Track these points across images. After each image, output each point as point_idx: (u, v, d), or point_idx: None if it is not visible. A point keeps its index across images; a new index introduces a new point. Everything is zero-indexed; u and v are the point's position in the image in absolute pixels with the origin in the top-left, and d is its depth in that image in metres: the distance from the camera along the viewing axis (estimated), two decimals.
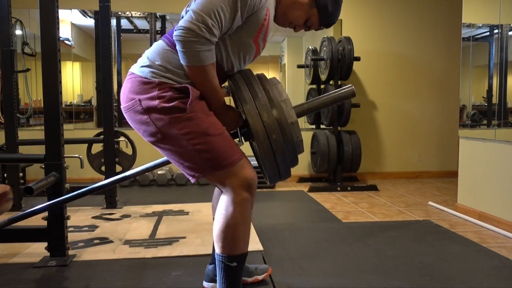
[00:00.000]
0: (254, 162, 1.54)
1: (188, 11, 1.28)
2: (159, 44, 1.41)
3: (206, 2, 1.25)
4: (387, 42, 4.73)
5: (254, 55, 1.48)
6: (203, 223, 2.74)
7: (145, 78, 1.34)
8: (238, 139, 1.46)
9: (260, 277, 1.80)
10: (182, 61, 1.29)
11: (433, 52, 4.79)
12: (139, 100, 1.32)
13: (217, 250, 1.38)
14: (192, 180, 1.37)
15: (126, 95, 1.37)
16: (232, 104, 1.53)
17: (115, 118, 3.30)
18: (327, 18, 1.50)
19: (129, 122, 1.39)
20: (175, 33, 1.26)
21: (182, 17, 1.42)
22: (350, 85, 1.51)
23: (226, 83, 1.52)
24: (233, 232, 1.34)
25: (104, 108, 3.16)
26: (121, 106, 1.39)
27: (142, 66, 1.37)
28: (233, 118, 1.42)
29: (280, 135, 1.30)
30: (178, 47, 1.27)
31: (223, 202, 1.36)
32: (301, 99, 4.90)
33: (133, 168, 4.14)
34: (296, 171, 4.41)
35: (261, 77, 1.41)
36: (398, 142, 4.80)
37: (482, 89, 3.43)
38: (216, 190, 1.72)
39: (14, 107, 3.00)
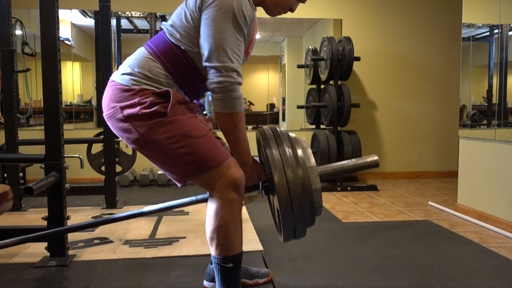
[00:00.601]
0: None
1: (209, 66, 1.29)
2: (141, 51, 1.41)
3: (220, 48, 1.27)
4: (387, 42, 4.73)
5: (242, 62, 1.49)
6: (203, 223, 2.72)
7: (126, 85, 1.34)
8: (257, 191, 1.46)
9: (261, 281, 1.80)
10: (216, 109, 1.32)
11: (433, 52, 4.79)
12: (120, 107, 1.32)
13: (212, 253, 1.38)
14: (179, 185, 1.37)
15: (107, 103, 1.37)
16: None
17: None
18: None
19: (112, 130, 1.39)
20: (210, 86, 1.29)
21: (162, 30, 1.43)
22: (375, 156, 1.54)
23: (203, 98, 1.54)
24: (225, 234, 1.34)
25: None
26: (103, 114, 1.40)
27: (123, 74, 1.37)
28: (258, 171, 1.43)
29: (303, 202, 1.31)
30: (215, 96, 1.30)
31: (212, 204, 1.36)
32: (301, 99, 4.91)
33: (133, 170, 4.12)
34: None
35: (291, 137, 1.42)
36: (398, 142, 4.80)
37: (482, 89, 3.43)
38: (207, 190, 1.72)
39: (14, 107, 2.99)
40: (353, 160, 1.54)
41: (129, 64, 1.39)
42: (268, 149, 1.35)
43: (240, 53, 1.32)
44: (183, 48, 1.36)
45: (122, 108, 1.32)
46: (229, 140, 1.37)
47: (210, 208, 1.37)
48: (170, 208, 1.65)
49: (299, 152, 1.36)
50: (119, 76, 1.37)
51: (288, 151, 1.34)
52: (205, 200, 1.51)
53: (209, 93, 1.45)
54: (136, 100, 1.31)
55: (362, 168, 1.54)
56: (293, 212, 1.31)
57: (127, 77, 1.35)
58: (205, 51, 1.31)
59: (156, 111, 1.29)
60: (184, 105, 1.36)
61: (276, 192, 1.30)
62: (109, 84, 1.40)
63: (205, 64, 1.31)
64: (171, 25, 1.40)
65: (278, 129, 1.43)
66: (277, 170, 1.30)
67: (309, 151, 1.39)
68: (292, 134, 1.44)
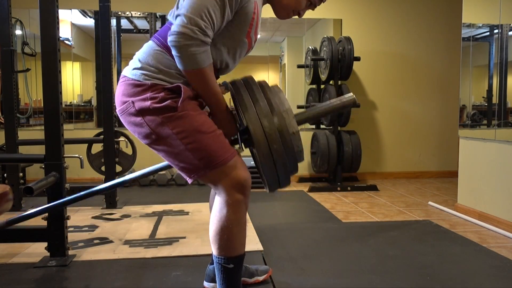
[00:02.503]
0: (252, 163, 1.54)
1: (177, 15, 1.27)
2: (149, 45, 1.41)
3: (195, 4, 1.24)
4: (387, 42, 4.73)
5: (246, 50, 1.47)
6: (203, 223, 2.74)
7: (137, 80, 1.34)
8: (238, 145, 1.45)
9: (260, 278, 1.80)
10: (179, 66, 1.29)
11: (433, 52, 4.79)
12: (132, 102, 1.32)
13: (214, 252, 1.38)
14: (189, 181, 1.37)
15: (119, 98, 1.38)
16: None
17: (115, 118, 3.29)
18: None
19: (125, 125, 1.39)
20: (169, 38, 1.25)
21: (168, 21, 1.42)
22: (350, 93, 1.51)
23: (221, 81, 1.51)
24: (228, 234, 1.34)
25: (104, 108, 3.16)
26: (116, 110, 1.40)
27: (134, 69, 1.36)
28: (234, 124, 1.41)
29: (281, 145, 1.30)
30: (173, 52, 1.26)
31: (217, 204, 1.36)
32: (301, 99, 4.91)
33: (133, 170, 4.14)
34: None
35: (263, 85, 1.40)
36: (398, 142, 4.80)
37: (482, 89, 3.42)
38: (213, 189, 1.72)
39: (14, 107, 2.99)
40: (329, 101, 1.51)
41: (139, 57, 1.39)
42: (241, 101, 1.34)
43: (215, 17, 1.27)
44: None
45: (134, 102, 1.32)
46: (201, 97, 1.35)
47: (215, 207, 1.37)
48: (149, 174, 1.64)
49: (272, 98, 1.35)
50: (130, 71, 1.37)
51: (262, 100, 1.33)
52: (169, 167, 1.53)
53: None
54: (148, 95, 1.31)
55: (340, 109, 1.51)
56: (273, 158, 1.30)
57: (138, 71, 1.35)
58: (180, 3, 1.30)
59: (167, 105, 1.29)
60: (195, 101, 1.35)
61: (254, 142, 1.29)
62: (120, 80, 1.40)
63: (176, 13, 1.28)
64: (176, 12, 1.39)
65: (249, 80, 1.41)
66: (252, 120, 1.30)
67: (282, 95, 1.38)
68: (262, 81, 1.42)
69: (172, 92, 1.32)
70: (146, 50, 1.40)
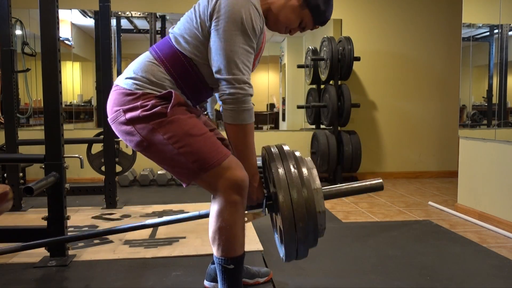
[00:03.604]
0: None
1: (221, 79, 1.30)
2: (145, 56, 1.42)
3: (232, 60, 1.28)
4: (387, 42, 4.73)
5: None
6: (203, 223, 2.73)
7: (129, 90, 1.35)
8: (261, 209, 1.46)
9: (261, 280, 1.80)
10: (226, 120, 1.33)
11: (433, 52, 4.79)
12: (123, 111, 1.34)
13: (214, 253, 1.39)
14: (184, 185, 1.38)
15: (111, 107, 1.39)
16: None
17: None
18: (321, 16, 1.48)
19: (116, 134, 1.40)
20: (223, 98, 1.31)
21: (167, 35, 1.44)
22: (379, 179, 1.52)
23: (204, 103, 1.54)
24: (226, 235, 1.35)
25: (104, 108, 3.15)
26: (108, 118, 1.41)
27: (127, 78, 1.38)
28: (261, 187, 1.44)
29: (306, 224, 1.30)
30: (226, 107, 1.31)
31: (215, 205, 1.36)
32: (301, 99, 4.91)
33: (133, 170, 4.13)
34: None
35: (297, 156, 1.41)
36: (398, 142, 4.80)
37: (482, 89, 3.42)
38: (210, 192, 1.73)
39: (14, 107, 2.99)
40: (358, 182, 1.54)
41: (133, 68, 1.40)
42: (273, 167, 1.34)
43: (250, 65, 1.33)
44: (188, 55, 1.37)
45: (125, 112, 1.33)
46: (237, 152, 1.37)
47: (213, 209, 1.37)
48: (173, 222, 1.65)
49: (305, 172, 1.35)
50: (122, 81, 1.39)
51: (294, 170, 1.33)
52: (208, 215, 1.53)
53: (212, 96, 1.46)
54: (138, 103, 1.32)
55: (366, 191, 1.54)
56: (296, 234, 1.30)
57: (130, 81, 1.36)
58: (215, 63, 1.32)
59: (156, 112, 1.30)
60: (184, 106, 1.36)
61: (280, 212, 1.30)
62: (113, 88, 1.42)
63: (216, 76, 1.33)
64: (178, 31, 1.40)
65: (284, 147, 1.43)
66: (282, 190, 1.30)
67: (315, 172, 1.38)
68: (297, 154, 1.43)
69: (163, 99, 1.33)
70: (141, 60, 1.41)
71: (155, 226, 1.69)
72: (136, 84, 1.35)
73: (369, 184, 1.51)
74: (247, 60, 1.32)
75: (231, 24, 1.29)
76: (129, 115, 1.32)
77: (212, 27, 1.32)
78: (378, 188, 1.51)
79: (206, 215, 1.57)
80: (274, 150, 1.41)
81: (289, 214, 1.29)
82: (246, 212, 1.44)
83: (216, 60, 1.31)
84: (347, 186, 1.52)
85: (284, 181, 1.31)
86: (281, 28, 1.51)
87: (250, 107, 1.32)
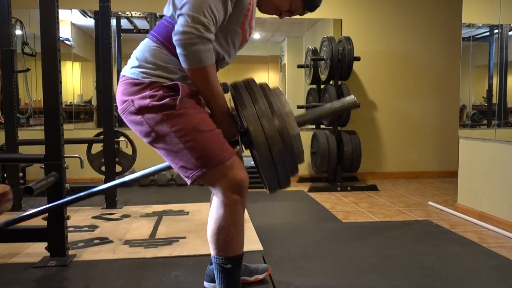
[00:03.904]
0: (252, 163, 1.54)
1: (179, 14, 1.27)
2: (146, 42, 1.41)
3: (196, 1, 1.25)
4: (387, 42, 4.73)
5: (241, 41, 1.47)
6: (203, 223, 2.73)
7: (136, 79, 1.34)
8: (238, 146, 1.45)
9: (261, 276, 1.80)
10: (183, 65, 1.29)
11: (433, 52, 4.79)
12: (132, 100, 1.33)
13: (212, 253, 1.39)
14: (188, 182, 1.36)
15: (120, 98, 1.38)
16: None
17: (115, 118, 3.30)
18: (311, 2, 1.48)
19: (127, 124, 1.40)
20: (174, 38, 1.26)
21: (164, 17, 1.42)
22: (352, 96, 1.50)
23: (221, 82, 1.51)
24: (225, 235, 1.34)
25: (104, 108, 3.16)
26: (118, 109, 1.40)
27: (132, 67, 1.37)
28: (234, 125, 1.41)
29: (281, 147, 1.29)
30: (178, 51, 1.27)
31: (214, 204, 1.36)
32: (301, 99, 4.91)
33: (133, 170, 4.14)
34: None
35: (264, 87, 1.40)
36: (398, 142, 4.80)
37: (482, 89, 3.42)
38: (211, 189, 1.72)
39: (14, 107, 2.99)
40: (330, 103, 1.50)
41: (136, 56, 1.39)
42: (241, 102, 1.33)
43: (216, 13, 1.28)
44: None
45: (134, 101, 1.32)
46: (203, 96, 1.35)
47: (213, 208, 1.37)
48: (148, 175, 1.63)
49: (273, 100, 1.34)
50: (128, 70, 1.38)
51: (262, 101, 1.32)
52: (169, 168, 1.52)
53: None
54: (147, 93, 1.31)
55: (341, 110, 1.50)
56: (273, 160, 1.29)
57: (137, 70, 1.35)
58: (182, 1, 1.29)
59: (165, 103, 1.29)
60: (193, 99, 1.35)
61: (254, 143, 1.29)
62: (120, 79, 1.41)
63: (177, 12, 1.29)
64: (169, 11, 1.38)
65: (250, 81, 1.41)
66: (253, 122, 1.29)
67: (283, 98, 1.38)
68: (264, 84, 1.42)
69: (171, 90, 1.32)
70: (142, 47, 1.40)
71: (135, 180, 1.67)
72: (142, 72, 1.34)
73: (341, 103, 1.48)
74: (214, 7, 1.27)
75: None
76: (138, 104, 1.31)
77: None
78: (351, 106, 1.48)
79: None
80: (239, 84, 1.40)
81: (262, 141, 1.28)
82: None
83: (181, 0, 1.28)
84: (320, 109, 1.49)
85: (253, 113, 1.30)
86: (272, 9, 1.50)
87: (206, 49, 1.27)
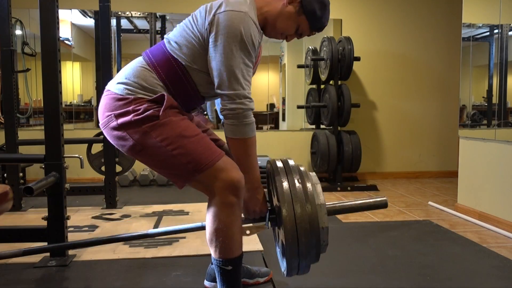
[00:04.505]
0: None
1: (222, 94, 1.31)
2: (138, 61, 1.42)
3: (232, 75, 1.29)
4: (387, 42, 4.73)
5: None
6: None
7: (120, 95, 1.35)
8: (264, 222, 1.46)
9: (261, 280, 1.80)
10: (227, 134, 1.34)
11: (433, 52, 4.79)
12: (114, 115, 1.33)
13: (212, 254, 1.38)
14: (179, 188, 1.38)
15: (102, 112, 1.39)
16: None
17: None
18: (317, 23, 1.48)
19: (108, 139, 1.40)
20: (223, 112, 1.32)
21: (162, 40, 1.44)
22: (384, 197, 1.52)
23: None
24: (223, 237, 1.34)
25: None
26: (99, 124, 1.41)
27: (118, 83, 1.38)
28: (265, 200, 1.44)
29: (309, 239, 1.30)
30: (227, 122, 1.32)
31: (211, 207, 1.36)
32: (301, 99, 4.91)
33: (133, 170, 4.12)
34: None
35: (302, 171, 1.41)
36: (398, 142, 4.80)
37: (482, 89, 3.43)
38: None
39: (14, 107, 2.99)
40: (362, 199, 1.53)
41: (125, 73, 1.40)
42: (278, 181, 1.34)
43: (250, 78, 1.34)
44: (181, 61, 1.38)
45: (117, 117, 1.33)
46: (240, 166, 1.37)
47: (209, 210, 1.37)
48: (176, 232, 1.66)
49: (309, 187, 1.34)
50: (114, 86, 1.39)
51: (298, 185, 1.33)
52: None
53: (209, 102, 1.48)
54: (130, 108, 1.32)
55: (370, 208, 1.53)
56: (299, 248, 1.30)
57: (122, 86, 1.36)
58: (216, 79, 1.33)
59: (148, 115, 1.30)
60: (176, 109, 1.37)
61: (283, 226, 1.30)
62: (104, 93, 1.41)
63: (217, 91, 1.33)
64: (174, 37, 1.41)
65: (289, 161, 1.43)
66: (286, 204, 1.29)
67: (319, 188, 1.38)
68: (302, 168, 1.42)
69: (155, 103, 1.33)
70: (133, 66, 1.41)
71: (157, 235, 1.69)
72: (127, 89, 1.35)
73: (373, 201, 1.51)
74: (247, 75, 1.33)
75: (231, 39, 1.30)
76: (121, 120, 1.32)
77: (210, 42, 1.33)
78: (382, 205, 1.51)
79: None
80: (279, 163, 1.41)
81: (292, 228, 1.28)
82: (250, 225, 1.45)
83: (217, 76, 1.32)
84: (351, 203, 1.52)
85: (288, 195, 1.31)
86: (278, 34, 1.51)
87: (251, 121, 1.33)
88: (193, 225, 1.63)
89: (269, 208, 1.46)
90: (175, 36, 1.41)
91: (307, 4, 1.44)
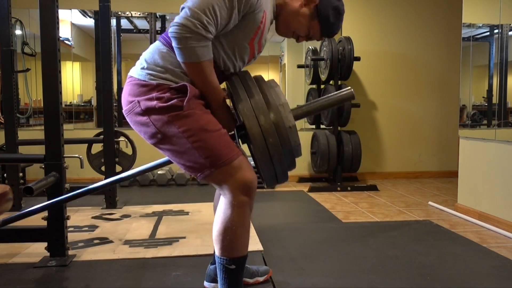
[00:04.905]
0: (252, 163, 1.54)
1: (182, 7, 1.28)
2: (156, 45, 1.42)
3: None
4: (387, 42, 4.73)
5: (249, 57, 1.48)
6: (203, 223, 2.74)
7: (143, 80, 1.34)
8: (235, 141, 1.45)
9: (261, 279, 1.80)
10: (178, 58, 1.31)
11: (433, 52, 4.79)
12: (138, 102, 1.33)
13: (216, 252, 1.38)
14: (198, 178, 1.36)
15: (126, 98, 1.38)
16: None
17: (115, 118, 3.30)
18: (329, 29, 1.49)
19: (131, 125, 1.40)
20: (170, 29, 1.28)
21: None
22: (349, 87, 1.49)
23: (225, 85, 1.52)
24: (231, 235, 1.34)
25: (104, 108, 3.16)
26: (123, 110, 1.40)
27: (141, 69, 1.37)
28: (232, 119, 1.42)
29: (277, 139, 1.29)
30: (173, 43, 1.28)
31: (222, 205, 1.36)
32: (301, 99, 4.91)
33: (132, 169, 4.13)
34: (296, 171, 4.40)
35: (259, 79, 1.40)
36: (398, 142, 4.80)
37: (482, 89, 3.42)
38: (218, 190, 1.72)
39: (14, 107, 2.99)
40: (327, 95, 1.49)
41: (145, 58, 1.40)
42: (236, 96, 1.33)
43: (219, 15, 1.28)
44: None
45: (140, 102, 1.33)
46: (199, 89, 1.35)
47: (220, 208, 1.36)
48: (149, 170, 1.63)
49: (268, 92, 1.34)
50: (136, 71, 1.38)
51: (257, 95, 1.32)
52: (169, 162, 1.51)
53: None
54: (154, 94, 1.31)
55: (338, 102, 1.48)
56: (270, 153, 1.29)
57: (144, 71, 1.36)
58: None
59: (172, 105, 1.29)
60: (200, 100, 1.35)
61: (250, 137, 1.29)
62: (127, 80, 1.41)
63: (181, 6, 1.29)
64: None
65: (244, 75, 1.41)
66: (248, 116, 1.29)
67: (279, 90, 1.37)
68: (258, 76, 1.41)
69: (178, 91, 1.32)
70: (152, 50, 1.41)
71: (130, 177, 1.66)
72: (150, 74, 1.34)
73: (338, 95, 1.46)
74: (218, 10, 1.27)
75: None
76: (145, 105, 1.32)
77: None
78: (348, 97, 1.46)
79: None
80: (235, 78, 1.39)
81: (258, 133, 1.27)
82: None
83: None
84: (316, 102, 1.47)
85: (248, 106, 1.29)
86: (289, 33, 1.51)
87: (201, 45, 1.27)
88: (161, 161, 1.59)
89: (237, 125, 1.43)
90: None
91: (323, 9, 1.44)
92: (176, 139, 1.30)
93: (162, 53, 1.37)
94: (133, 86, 1.36)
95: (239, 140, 1.44)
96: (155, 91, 1.32)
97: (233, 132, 1.44)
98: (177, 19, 1.26)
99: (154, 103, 1.30)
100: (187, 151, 1.31)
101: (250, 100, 1.31)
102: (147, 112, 1.31)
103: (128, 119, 1.39)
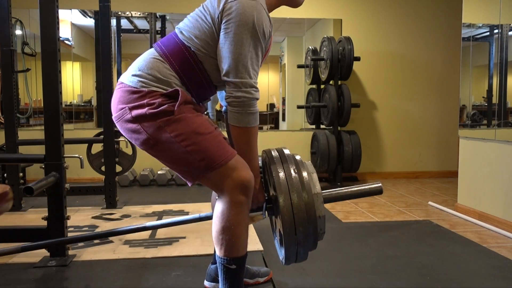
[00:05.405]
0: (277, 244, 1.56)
1: (228, 81, 1.31)
2: (150, 52, 1.42)
3: (240, 64, 1.30)
4: (387, 42, 4.73)
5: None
6: (203, 223, 2.74)
7: (134, 87, 1.34)
8: (261, 212, 1.46)
9: (261, 280, 1.80)
10: (231, 122, 1.34)
11: (433, 52, 4.79)
12: (129, 108, 1.33)
13: (217, 253, 1.38)
14: (189, 184, 1.38)
15: (116, 105, 1.38)
16: None
17: None
18: None
19: (122, 132, 1.40)
20: (227, 100, 1.32)
21: (173, 31, 1.44)
22: (378, 182, 1.52)
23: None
24: (230, 235, 1.34)
25: (104, 108, 3.16)
26: (112, 116, 1.40)
27: (132, 75, 1.37)
28: (262, 190, 1.44)
29: (306, 228, 1.31)
30: (231, 109, 1.33)
31: (219, 205, 1.36)
32: (301, 99, 4.91)
33: (133, 170, 4.12)
34: None
35: (297, 160, 1.41)
36: (398, 142, 4.80)
37: (482, 89, 3.42)
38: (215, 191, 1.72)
39: (14, 107, 2.99)
40: (357, 186, 1.53)
41: (138, 65, 1.39)
42: (274, 170, 1.34)
43: (258, 69, 1.35)
44: (193, 49, 1.37)
45: (131, 109, 1.32)
46: (240, 154, 1.37)
47: (218, 208, 1.37)
48: (173, 224, 1.65)
49: (305, 176, 1.35)
50: (128, 78, 1.38)
51: (295, 175, 1.33)
52: (208, 218, 1.53)
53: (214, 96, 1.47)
54: (144, 101, 1.31)
55: (366, 195, 1.53)
56: (296, 237, 1.31)
57: (136, 78, 1.35)
58: (224, 66, 1.33)
59: (163, 110, 1.30)
60: (191, 105, 1.36)
61: (281, 215, 1.30)
62: (117, 86, 1.41)
63: (224, 78, 1.34)
64: (185, 27, 1.40)
65: (284, 151, 1.43)
66: (283, 193, 1.30)
67: (315, 176, 1.38)
68: (298, 157, 1.43)
69: (169, 97, 1.33)
70: (146, 57, 1.41)
71: (155, 228, 1.68)
72: (141, 81, 1.34)
73: (368, 188, 1.51)
74: (256, 64, 1.33)
75: (242, 28, 1.29)
76: (135, 112, 1.32)
77: (222, 29, 1.33)
78: (377, 192, 1.51)
79: (206, 218, 1.56)
80: (274, 153, 1.42)
81: (289, 218, 1.29)
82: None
83: (225, 63, 1.32)
84: (346, 190, 1.51)
85: (284, 184, 1.31)
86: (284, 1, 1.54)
87: (255, 111, 1.33)
88: (191, 217, 1.61)
89: (266, 198, 1.46)
90: (186, 26, 1.41)
91: None
92: (169, 144, 1.31)
93: (156, 62, 1.37)
94: (123, 93, 1.36)
95: (266, 212, 1.46)
96: (146, 97, 1.32)
97: (260, 205, 1.45)
98: (233, 93, 1.31)
99: (144, 110, 1.30)
100: (181, 155, 1.31)
101: (287, 177, 1.33)
102: (137, 119, 1.31)
103: (118, 126, 1.39)
